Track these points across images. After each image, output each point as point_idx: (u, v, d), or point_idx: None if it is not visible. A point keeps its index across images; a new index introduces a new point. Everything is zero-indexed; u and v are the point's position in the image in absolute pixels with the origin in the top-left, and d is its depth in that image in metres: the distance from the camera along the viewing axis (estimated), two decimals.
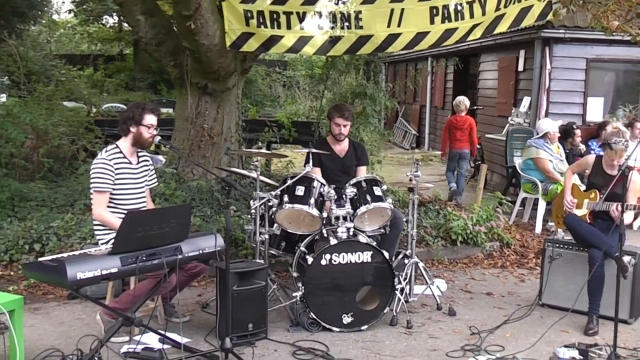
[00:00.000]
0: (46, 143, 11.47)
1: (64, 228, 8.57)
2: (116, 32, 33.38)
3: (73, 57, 28.97)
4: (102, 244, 6.41)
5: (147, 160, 6.78)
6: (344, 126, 7.76)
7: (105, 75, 27.95)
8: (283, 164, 12.34)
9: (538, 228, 11.04)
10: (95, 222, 6.49)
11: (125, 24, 32.62)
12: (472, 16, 9.11)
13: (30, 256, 8.19)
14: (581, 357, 6.03)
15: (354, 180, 7.15)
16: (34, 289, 7.72)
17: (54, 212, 9.40)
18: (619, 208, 6.62)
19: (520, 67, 14.57)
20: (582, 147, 11.99)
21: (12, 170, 10.71)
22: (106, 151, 6.45)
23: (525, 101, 14.12)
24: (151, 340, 6.00)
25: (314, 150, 7.31)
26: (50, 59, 21.37)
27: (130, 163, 6.51)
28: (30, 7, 22.23)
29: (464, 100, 13.63)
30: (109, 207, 6.36)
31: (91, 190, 6.39)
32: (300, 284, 6.59)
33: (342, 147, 7.94)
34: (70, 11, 33.02)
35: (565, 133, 11.88)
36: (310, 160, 7.21)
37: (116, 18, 33.04)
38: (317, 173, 7.41)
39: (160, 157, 11.34)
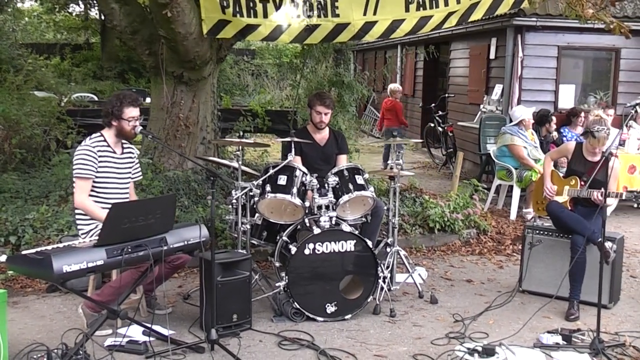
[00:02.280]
0: (18, 133, 11.32)
1: (40, 220, 8.45)
2: (82, 21, 33.05)
3: (39, 46, 28.59)
4: (82, 234, 6.34)
5: (132, 153, 6.71)
6: (325, 114, 7.72)
7: (72, 65, 27.64)
8: (258, 153, 12.29)
9: (513, 215, 11.11)
10: (76, 211, 6.41)
11: (92, 12, 32.36)
12: (446, 4, 9.13)
13: (6, 249, 8.07)
14: (565, 343, 6.07)
15: (336, 169, 7.11)
16: (11, 282, 7.61)
17: (29, 203, 9.27)
18: (599, 197, 6.72)
19: (492, 55, 14.64)
20: (555, 134, 12.05)
21: None
22: (90, 139, 6.38)
23: (497, 89, 14.21)
24: (135, 332, 5.94)
25: (296, 139, 7.25)
26: (17, 48, 21.06)
27: (115, 153, 6.44)
28: None
29: (392, 87, 16.75)
30: (91, 196, 6.28)
31: (73, 177, 6.30)
32: (283, 274, 6.56)
33: (322, 136, 7.91)
34: None
35: (541, 119, 11.94)
36: (293, 149, 7.15)
37: (82, 6, 32.69)
38: (297, 162, 7.37)
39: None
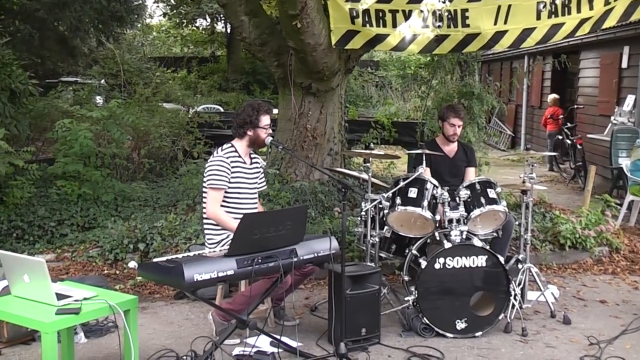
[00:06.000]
0: (147, 144, 11.60)
1: (168, 228, 8.60)
2: (209, 34, 33.77)
3: (167, 60, 29.36)
4: (211, 243, 6.37)
5: (259, 163, 6.72)
6: (458, 126, 7.65)
7: (198, 77, 28.26)
8: (384, 165, 12.20)
9: None
10: (206, 221, 6.44)
11: (218, 26, 33.03)
12: (579, 11, 8.88)
13: (135, 255, 8.27)
14: None
15: (467, 182, 6.96)
16: (140, 288, 7.76)
17: (157, 212, 9.47)
18: None
19: (624, 64, 14.10)
20: None
21: (113, 171, 10.84)
22: (222, 150, 6.42)
23: (630, 99, 13.66)
24: (263, 343, 5.91)
25: (427, 152, 7.13)
26: (145, 62, 21.71)
27: (245, 163, 6.46)
28: (128, 12, 22.69)
29: (555, 96, 18.24)
30: (222, 206, 6.31)
31: (205, 188, 6.34)
32: (412, 288, 6.44)
33: (451, 148, 7.80)
34: (164, 15, 33.52)
35: None
36: (424, 161, 7.03)
37: (209, 20, 33.40)
38: (427, 174, 7.24)
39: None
